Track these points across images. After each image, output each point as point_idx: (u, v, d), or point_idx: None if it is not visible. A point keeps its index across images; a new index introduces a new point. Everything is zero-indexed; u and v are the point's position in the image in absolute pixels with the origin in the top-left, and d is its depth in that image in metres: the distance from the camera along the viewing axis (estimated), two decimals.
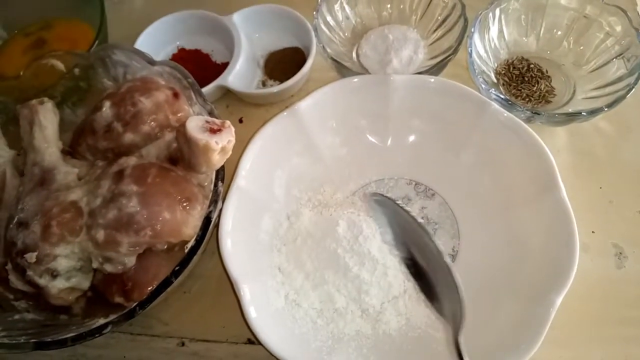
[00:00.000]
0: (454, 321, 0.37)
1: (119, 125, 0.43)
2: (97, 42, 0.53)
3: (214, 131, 0.38)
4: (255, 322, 0.38)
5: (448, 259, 0.37)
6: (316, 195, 0.48)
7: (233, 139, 0.39)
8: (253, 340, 0.44)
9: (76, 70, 0.48)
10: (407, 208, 0.39)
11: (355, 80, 0.47)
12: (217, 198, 0.40)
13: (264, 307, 0.41)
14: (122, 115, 0.43)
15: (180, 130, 0.39)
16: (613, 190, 0.49)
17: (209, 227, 0.39)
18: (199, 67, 0.57)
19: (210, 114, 0.44)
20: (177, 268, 0.37)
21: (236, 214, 0.43)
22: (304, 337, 0.41)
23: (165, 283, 0.37)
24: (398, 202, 0.40)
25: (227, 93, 0.56)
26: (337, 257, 0.42)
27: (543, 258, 0.41)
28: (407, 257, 0.39)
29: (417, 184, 0.49)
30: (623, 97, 0.46)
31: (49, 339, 0.36)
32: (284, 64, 0.57)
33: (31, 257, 0.38)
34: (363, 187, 0.49)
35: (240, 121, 0.55)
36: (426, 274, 0.38)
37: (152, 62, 0.47)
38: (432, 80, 0.47)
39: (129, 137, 0.43)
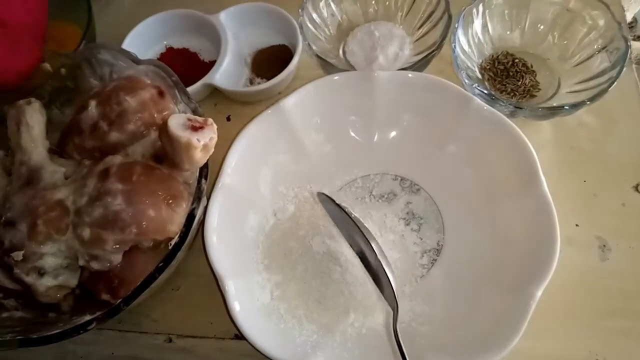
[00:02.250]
0: (393, 312, 0.39)
1: (104, 124, 0.44)
2: (84, 43, 0.53)
3: (195, 129, 0.38)
4: (240, 317, 0.39)
5: (383, 257, 0.39)
6: (302, 191, 0.48)
7: (215, 137, 0.39)
8: (240, 335, 0.44)
9: (62, 70, 0.48)
10: (348, 209, 0.41)
11: (337, 77, 0.48)
12: (200, 195, 0.41)
13: (249, 302, 0.41)
14: (107, 114, 0.44)
15: (163, 128, 0.39)
16: (597, 183, 0.49)
17: (193, 223, 0.40)
18: (187, 65, 0.57)
19: (194, 112, 0.44)
20: (160, 264, 0.38)
21: (222, 211, 0.43)
22: (289, 332, 0.42)
23: (150, 279, 0.38)
24: (339, 203, 0.41)
25: (214, 91, 0.56)
26: (322, 255, 0.42)
27: (525, 251, 0.42)
28: (359, 251, 0.41)
29: (402, 179, 0.49)
30: (605, 91, 0.46)
31: (35, 336, 0.36)
32: (270, 61, 0.57)
33: (18, 255, 0.39)
34: (349, 183, 0.49)
35: (228, 119, 0.56)
36: (372, 267, 0.40)
37: (137, 61, 0.47)
38: (414, 75, 0.47)
39: (114, 135, 0.43)
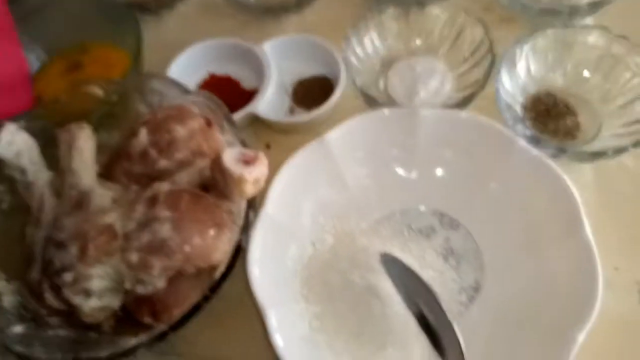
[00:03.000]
0: None
1: (154, 151, 0.45)
2: (133, 69, 0.55)
3: (247, 163, 0.39)
4: (282, 350, 0.39)
5: (453, 322, 0.37)
6: (341, 223, 0.49)
7: (266, 171, 0.40)
8: None
9: (114, 97, 0.50)
10: (413, 268, 0.40)
11: (383, 113, 0.49)
12: (248, 226, 0.42)
13: (289, 333, 0.41)
14: (157, 142, 0.45)
15: (216, 161, 0.40)
16: (637, 227, 0.49)
17: (240, 254, 0.40)
18: (229, 93, 0.58)
19: (242, 143, 0.46)
20: (208, 294, 0.39)
21: (264, 242, 0.44)
22: None
23: (197, 308, 0.38)
24: (405, 262, 0.40)
25: (254, 119, 0.57)
26: (362, 288, 0.43)
27: (566, 294, 0.41)
28: (417, 312, 0.40)
29: (442, 214, 0.49)
30: None
31: (84, 357, 0.37)
32: (312, 92, 0.58)
33: (69, 276, 0.40)
34: (388, 217, 0.50)
35: (268, 147, 0.56)
36: (434, 329, 0.39)
37: (186, 92, 0.49)
38: (462, 114, 0.48)
39: (163, 163, 0.45)
